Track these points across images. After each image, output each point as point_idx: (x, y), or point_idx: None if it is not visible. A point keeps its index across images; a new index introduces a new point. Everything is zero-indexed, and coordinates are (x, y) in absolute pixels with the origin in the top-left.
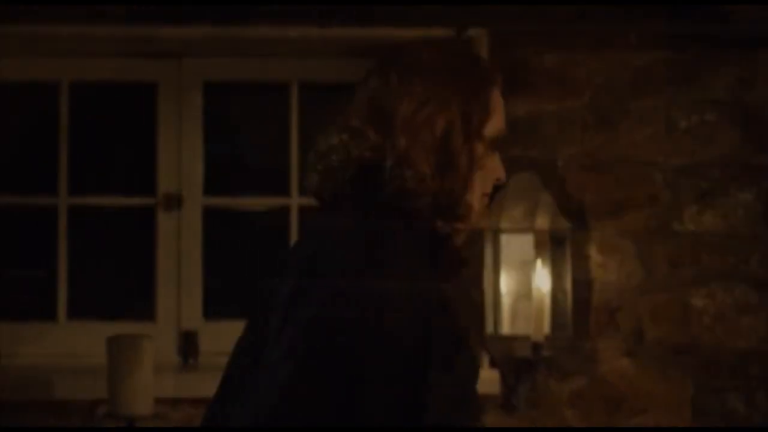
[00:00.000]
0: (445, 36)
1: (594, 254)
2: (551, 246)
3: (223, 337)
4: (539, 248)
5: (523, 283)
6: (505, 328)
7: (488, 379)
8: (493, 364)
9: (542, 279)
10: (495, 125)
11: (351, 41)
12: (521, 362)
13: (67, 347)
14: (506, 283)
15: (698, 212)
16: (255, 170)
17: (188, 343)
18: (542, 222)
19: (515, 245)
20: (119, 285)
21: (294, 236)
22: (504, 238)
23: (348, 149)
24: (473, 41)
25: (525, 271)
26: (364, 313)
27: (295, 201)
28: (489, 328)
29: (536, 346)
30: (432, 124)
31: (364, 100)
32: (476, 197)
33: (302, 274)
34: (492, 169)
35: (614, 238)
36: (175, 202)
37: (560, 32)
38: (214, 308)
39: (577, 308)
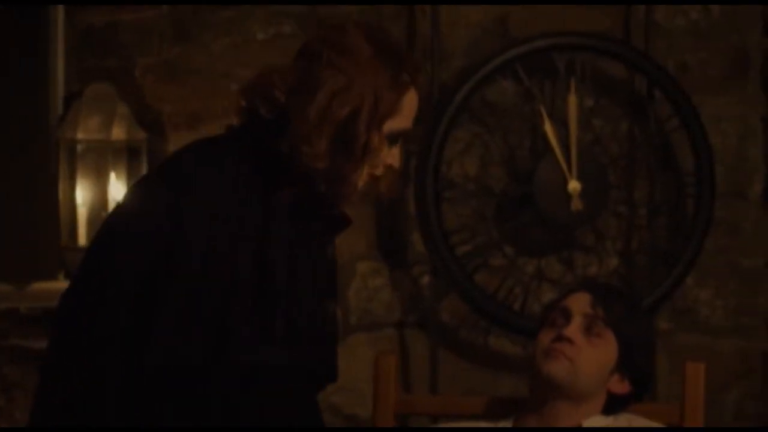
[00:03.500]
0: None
1: None
2: (127, 157)
3: None
4: (115, 159)
5: (100, 195)
6: (81, 240)
7: None
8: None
9: (118, 190)
10: (399, 123)
11: None
12: None
13: None
14: (82, 194)
15: None
16: None
17: None
18: (118, 133)
19: (91, 156)
20: None
21: None
22: (80, 149)
23: (254, 101)
24: None
25: (101, 182)
26: None
27: None
28: (65, 240)
29: None
30: (343, 105)
31: (293, 68)
32: (362, 179)
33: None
34: (385, 157)
35: None
36: None
37: None
38: None
39: None
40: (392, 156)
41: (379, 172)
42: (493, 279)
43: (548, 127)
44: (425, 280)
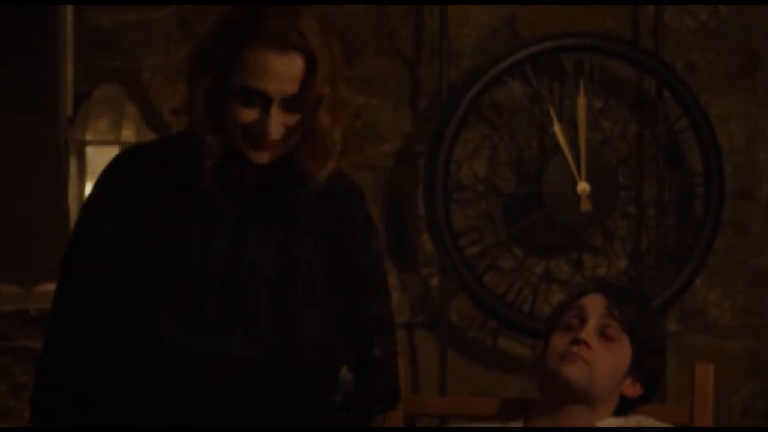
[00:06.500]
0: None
1: None
2: None
3: None
4: None
5: None
6: None
7: None
8: None
9: None
10: (245, 80)
11: None
12: None
13: None
14: None
15: None
16: None
17: None
18: (128, 134)
19: (101, 158)
20: None
21: None
22: (89, 151)
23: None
24: None
25: None
26: None
27: None
28: None
29: None
30: (192, 65)
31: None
32: (218, 139)
33: None
34: (234, 117)
35: None
36: None
37: None
38: None
39: None
40: (239, 117)
41: (235, 133)
42: (502, 280)
43: (557, 129)
44: (434, 281)
